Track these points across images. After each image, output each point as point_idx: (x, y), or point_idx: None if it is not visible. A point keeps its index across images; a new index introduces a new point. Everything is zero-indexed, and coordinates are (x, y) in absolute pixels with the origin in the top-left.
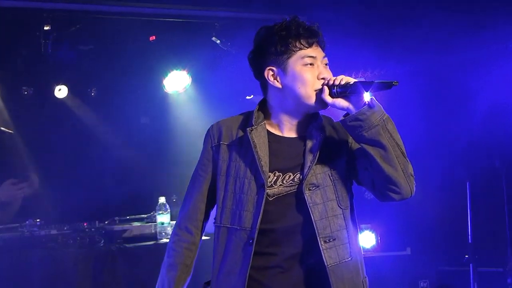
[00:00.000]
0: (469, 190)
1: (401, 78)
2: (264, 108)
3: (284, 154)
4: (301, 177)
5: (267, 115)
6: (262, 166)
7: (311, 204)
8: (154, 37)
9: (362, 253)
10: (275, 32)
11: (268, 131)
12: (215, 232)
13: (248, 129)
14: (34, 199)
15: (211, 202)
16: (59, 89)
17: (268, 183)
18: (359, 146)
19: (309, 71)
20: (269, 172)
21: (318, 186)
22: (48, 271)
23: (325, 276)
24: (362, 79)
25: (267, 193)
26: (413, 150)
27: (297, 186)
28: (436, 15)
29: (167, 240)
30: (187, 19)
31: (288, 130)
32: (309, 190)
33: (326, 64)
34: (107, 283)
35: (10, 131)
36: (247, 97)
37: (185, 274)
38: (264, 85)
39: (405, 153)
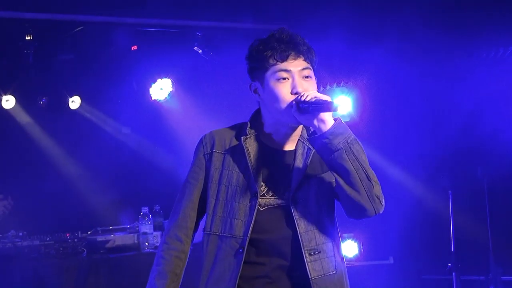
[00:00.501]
0: (452, 199)
1: (386, 87)
2: (258, 119)
3: (275, 165)
4: (289, 190)
5: (260, 126)
6: (255, 175)
7: (297, 217)
8: (135, 47)
9: (345, 264)
10: (255, 47)
11: (261, 141)
12: (204, 240)
13: (242, 137)
14: (17, 210)
15: (201, 211)
16: (41, 99)
17: (260, 192)
18: None
19: (282, 86)
20: (262, 182)
21: (304, 199)
22: (30, 281)
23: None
24: (328, 98)
25: (258, 202)
26: (396, 159)
27: (285, 198)
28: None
29: (150, 250)
30: (169, 28)
31: (279, 142)
32: (295, 203)
33: (307, 77)
34: None
35: None
36: None
37: (174, 283)
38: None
39: (372, 175)
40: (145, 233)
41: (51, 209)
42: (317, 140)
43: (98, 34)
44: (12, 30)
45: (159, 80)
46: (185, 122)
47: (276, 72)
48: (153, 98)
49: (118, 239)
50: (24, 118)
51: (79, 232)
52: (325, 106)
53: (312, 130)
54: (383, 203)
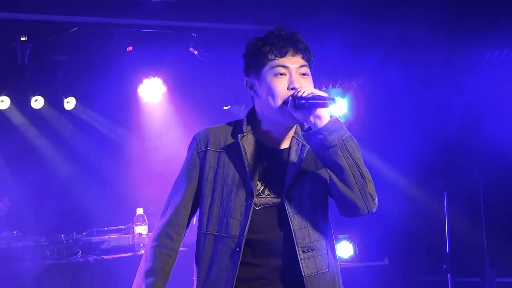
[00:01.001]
0: (447, 200)
1: (381, 88)
2: (253, 117)
3: (270, 164)
4: (283, 187)
5: (256, 125)
6: (251, 174)
7: (291, 213)
8: (131, 48)
9: (339, 264)
10: (253, 43)
11: (257, 140)
12: (200, 239)
13: (239, 135)
14: (12, 211)
15: (193, 209)
16: (36, 100)
17: (256, 191)
18: None
19: (279, 81)
20: (257, 180)
21: (298, 197)
22: (25, 283)
23: (302, 286)
24: (325, 94)
25: (254, 201)
26: (391, 161)
27: (279, 197)
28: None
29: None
30: (164, 29)
31: (274, 140)
32: (289, 200)
33: (304, 74)
34: None
35: None
36: (224, 107)
37: (163, 281)
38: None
39: (366, 173)
40: (140, 234)
41: (46, 210)
42: (312, 136)
43: (94, 35)
44: (7, 31)
45: (153, 81)
46: (180, 122)
47: (274, 67)
48: (146, 100)
49: (113, 240)
50: (19, 118)
51: (74, 233)
52: (323, 102)
53: (306, 127)
54: (376, 202)
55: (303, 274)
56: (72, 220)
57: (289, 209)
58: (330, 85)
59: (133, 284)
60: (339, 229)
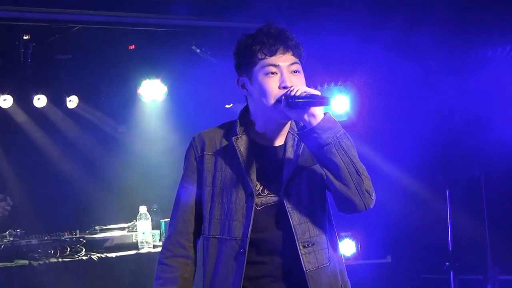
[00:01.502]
0: (449, 198)
1: (383, 85)
2: (247, 116)
3: (267, 162)
4: (281, 183)
5: (250, 124)
6: (249, 174)
7: (290, 209)
8: (133, 46)
9: (343, 259)
10: (243, 42)
11: (251, 139)
12: (204, 243)
13: (233, 138)
14: (15, 209)
15: (200, 216)
16: (38, 98)
17: (256, 192)
18: None
19: (270, 81)
20: (256, 181)
21: (296, 192)
22: (28, 281)
23: (304, 281)
24: (318, 92)
25: (255, 202)
26: (393, 158)
27: (279, 194)
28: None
29: (149, 249)
30: (166, 28)
31: (269, 138)
32: (288, 195)
33: (295, 71)
34: None
35: None
36: (227, 106)
37: None
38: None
39: (362, 169)
40: (143, 232)
41: (49, 208)
42: (306, 134)
43: (96, 33)
44: (9, 30)
45: (156, 80)
46: (181, 121)
47: (264, 66)
48: (149, 98)
49: (116, 238)
50: (21, 117)
51: (77, 231)
52: (317, 101)
53: (301, 124)
54: (373, 198)
55: (304, 269)
56: (75, 218)
57: (288, 205)
58: (332, 82)
59: None
60: (341, 227)
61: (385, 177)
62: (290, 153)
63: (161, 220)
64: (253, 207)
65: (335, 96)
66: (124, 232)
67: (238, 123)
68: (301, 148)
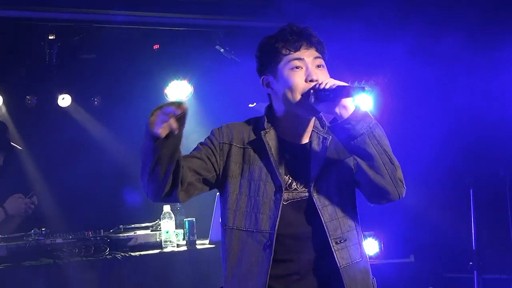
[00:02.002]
0: (473, 197)
1: (407, 84)
2: (271, 114)
3: (294, 159)
4: (309, 181)
5: (275, 121)
6: (278, 168)
7: (320, 206)
8: (157, 46)
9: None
10: (267, 41)
11: (278, 136)
12: (226, 236)
13: (262, 132)
14: (39, 208)
15: (205, 180)
16: (63, 98)
17: (284, 186)
18: None
19: (297, 75)
20: (284, 175)
21: (326, 189)
22: (53, 280)
23: (338, 278)
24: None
25: (283, 196)
26: (418, 157)
27: (307, 190)
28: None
29: (172, 249)
30: (190, 27)
31: (294, 135)
32: (317, 192)
33: (319, 66)
34: None
35: (19, 147)
36: (250, 105)
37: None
38: (268, 93)
39: (393, 158)
40: (167, 231)
41: (73, 207)
42: (338, 126)
43: (120, 33)
44: (35, 30)
45: (180, 80)
46: (205, 121)
47: (289, 61)
48: (175, 98)
49: (140, 237)
50: (46, 117)
51: (102, 230)
52: (351, 90)
53: (326, 124)
54: (405, 187)
55: (338, 266)
56: (99, 217)
57: (318, 202)
58: (356, 82)
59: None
60: (364, 226)
61: (409, 177)
62: (316, 151)
63: (185, 219)
64: (281, 201)
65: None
66: (148, 231)
67: (266, 119)
68: (327, 145)
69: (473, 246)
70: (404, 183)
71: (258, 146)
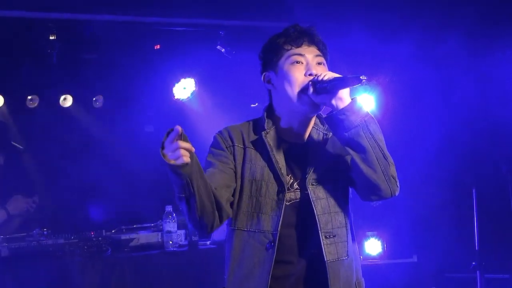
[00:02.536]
0: (475, 197)
1: (409, 84)
2: (271, 113)
3: (294, 158)
4: (307, 177)
5: (275, 120)
6: (280, 169)
7: (314, 198)
8: (158, 46)
9: (359, 256)
10: (270, 39)
11: (278, 136)
12: (229, 235)
13: (263, 132)
14: (41, 209)
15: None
16: (64, 98)
17: (286, 186)
18: None
19: (296, 69)
20: (286, 175)
21: (320, 182)
22: (55, 280)
23: (323, 271)
24: (342, 76)
25: (285, 196)
26: (419, 156)
27: (305, 187)
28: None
29: (174, 249)
30: (192, 27)
31: (294, 134)
32: (312, 185)
33: (319, 63)
34: None
35: (20, 147)
36: (252, 105)
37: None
38: (268, 91)
39: (387, 155)
40: (169, 232)
41: (75, 207)
42: (334, 117)
43: (121, 33)
44: (36, 30)
45: (182, 80)
46: (208, 121)
47: (290, 56)
48: (176, 98)
49: (142, 237)
50: (48, 117)
51: (103, 231)
52: (347, 81)
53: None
54: (398, 185)
55: (325, 260)
56: (101, 217)
57: (312, 194)
58: (361, 75)
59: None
60: (367, 226)
61: (411, 176)
62: (315, 148)
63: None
64: (284, 202)
65: (363, 97)
66: (150, 232)
67: (266, 119)
68: (327, 142)
69: (476, 246)
70: (397, 181)
71: (259, 146)
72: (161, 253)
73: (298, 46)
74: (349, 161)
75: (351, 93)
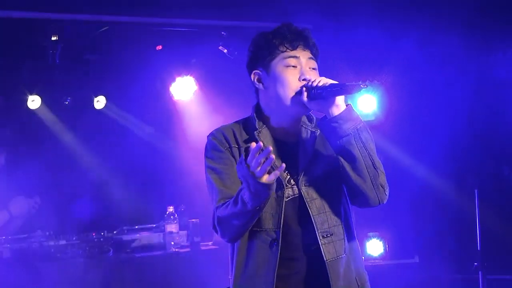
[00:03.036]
0: (478, 198)
1: (411, 84)
2: (260, 113)
3: (286, 156)
4: (298, 176)
5: (265, 120)
6: (277, 166)
7: (308, 199)
8: (160, 47)
9: (360, 252)
10: (263, 37)
11: (270, 134)
12: None
13: (255, 132)
14: (43, 210)
15: None
16: (66, 99)
17: (284, 182)
18: None
19: (290, 73)
20: (283, 172)
21: (314, 183)
22: (57, 281)
23: (324, 271)
24: (338, 83)
25: (284, 193)
26: (422, 158)
27: (297, 186)
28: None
29: (176, 250)
30: (194, 28)
31: (284, 133)
32: (304, 186)
33: (312, 68)
34: None
35: None
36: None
37: None
38: (256, 89)
39: (378, 164)
40: (171, 233)
41: (77, 208)
42: (326, 124)
43: (123, 34)
44: (38, 31)
45: (183, 80)
46: (208, 121)
47: (285, 58)
48: (177, 98)
49: (144, 238)
50: (49, 118)
51: (105, 232)
52: (345, 89)
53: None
54: (387, 193)
55: (324, 259)
56: (103, 218)
57: (306, 196)
58: (360, 81)
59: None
60: (369, 226)
61: (413, 177)
62: (305, 146)
63: (189, 220)
64: (284, 198)
65: (365, 97)
66: (152, 233)
67: (256, 119)
68: (315, 140)
69: (478, 247)
70: (386, 190)
71: None
72: (163, 254)
73: (294, 48)
74: (337, 162)
75: (353, 94)
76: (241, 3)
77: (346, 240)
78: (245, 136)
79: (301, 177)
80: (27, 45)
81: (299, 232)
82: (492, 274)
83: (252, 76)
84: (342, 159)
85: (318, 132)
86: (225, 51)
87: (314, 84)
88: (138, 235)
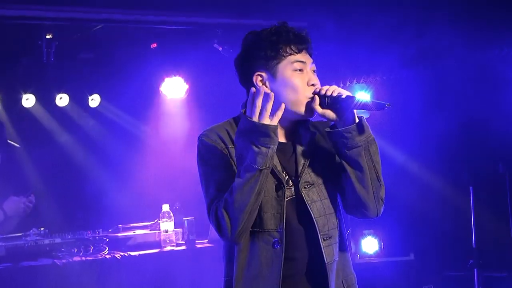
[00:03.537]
0: (473, 195)
1: (406, 82)
2: None
3: (284, 156)
4: (298, 177)
5: None
6: (275, 166)
7: (309, 202)
8: (155, 45)
9: (350, 256)
10: (265, 37)
11: None
12: None
13: None
14: (38, 208)
15: None
16: (60, 98)
17: (284, 182)
18: None
19: (299, 77)
20: (282, 172)
21: (313, 184)
22: (52, 280)
23: (324, 274)
24: (356, 97)
25: (285, 192)
26: (417, 155)
27: (297, 187)
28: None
29: (172, 248)
30: (188, 26)
31: (282, 134)
32: (305, 188)
33: (314, 71)
34: None
35: (17, 145)
36: None
37: None
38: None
39: (381, 177)
40: (166, 231)
41: (72, 207)
42: (338, 134)
43: (118, 32)
44: (32, 29)
45: (177, 78)
46: (203, 119)
47: (292, 62)
48: (171, 96)
49: (139, 236)
50: (44, 116)
51: (100, 230)
52: (371, 106)
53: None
54: (383, 206)
55: (325, 261)
56: (98, 217)
57: (306, 198)
58: (355, 80)
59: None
60: (364, 224)
61: (408, 175)
62: (304, 148)
63: (184, 218)
64: (284, 198)
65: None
66: (147, 231)
67: None
68: (314, 140)
69: (473, 244)
70: (383, 202)
71: None
72: (159, 252)
73: (299, 52)
74: (337, 160)
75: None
76: (236, 0)
77: (338, 244)
78: None
79: (301, 178)
80: (21, 43)
81: (300, 232)
82: (487, 271)
83: (254, 77)
84: (349, 168)
85: (317, 133)
86: (220, 49)
87: (328, 93)
88: (133, 233)
